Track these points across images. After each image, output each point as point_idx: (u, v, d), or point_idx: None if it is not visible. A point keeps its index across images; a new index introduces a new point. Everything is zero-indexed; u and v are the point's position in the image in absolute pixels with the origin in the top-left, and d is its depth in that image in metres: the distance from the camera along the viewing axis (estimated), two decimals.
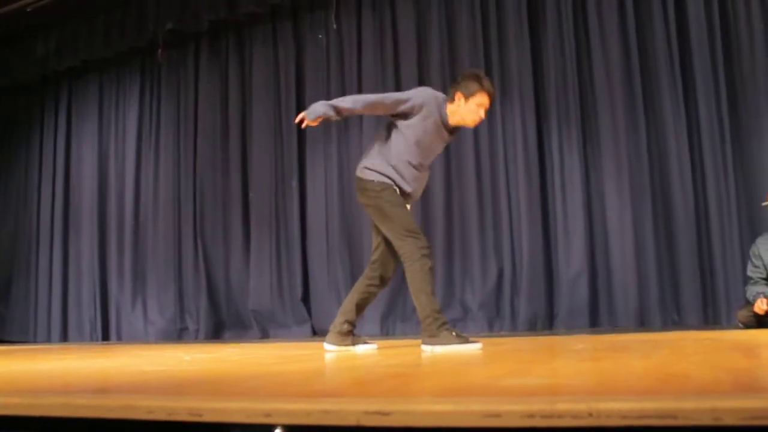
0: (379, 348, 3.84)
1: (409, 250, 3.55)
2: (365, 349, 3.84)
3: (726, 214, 5.37)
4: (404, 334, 6.11)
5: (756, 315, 4.51)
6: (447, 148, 6.35)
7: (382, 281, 3.90)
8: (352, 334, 3.88)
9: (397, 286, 6.38)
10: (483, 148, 6.25)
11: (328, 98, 6.92)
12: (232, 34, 7.70)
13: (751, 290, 4.65)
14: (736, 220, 5.33)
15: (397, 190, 3.66)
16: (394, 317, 6.32)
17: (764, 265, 4.68)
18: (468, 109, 3.64)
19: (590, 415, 1.16)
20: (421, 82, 6.56)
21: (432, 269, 3.61)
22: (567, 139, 5.94)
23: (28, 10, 7.81)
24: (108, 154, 8.39)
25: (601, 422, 1.16)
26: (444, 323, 3.53)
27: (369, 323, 6.27)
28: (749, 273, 4.74)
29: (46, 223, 8.63)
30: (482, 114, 3.67)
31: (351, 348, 3.80)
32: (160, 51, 7.77)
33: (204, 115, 7.72)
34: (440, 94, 3.74)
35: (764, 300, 4.48)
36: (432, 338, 3.51)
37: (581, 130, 5.91)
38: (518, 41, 6.19)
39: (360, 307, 3.90)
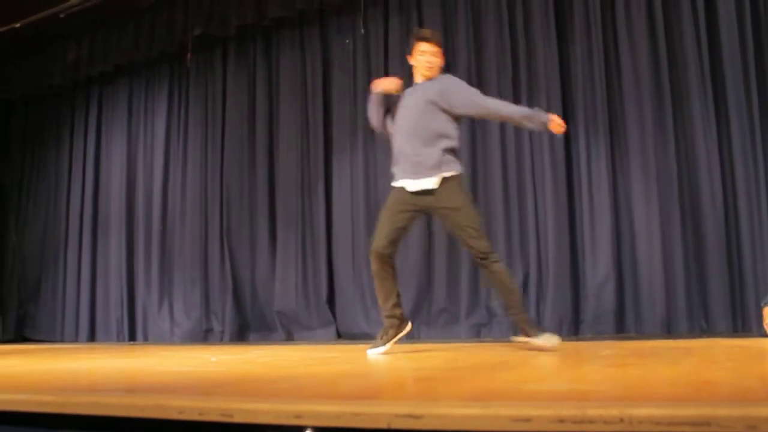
0: (406, 352, 3.84)
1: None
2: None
3: (757, 220, 5.29)
4: (429, 338, 6.10)
5: None
6: (473, 154, 6.38)
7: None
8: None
9: (422, 290, 6.39)
10: (509, 152, 6.23)
11: (355, 103, 7.01)
12: (259, 38, 7.75)
13: (766, 298, 4.59)
14: (766, 226, 5.24)
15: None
16: (418, 321, 6.31)
17: None
18: (417, 61, 4.08)
19: (621, 420, 1.16)
20: None
21: None
22: (594, 143, 5.90)
23: (61, 16, 7.93)
24: (137, 158, 8.49)
25: (632, 428, 1.15)
26: None
27: None
28: None
29: (75, 224, 8.76)
30: (429, 58, 4.05)
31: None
32: (188, 55, 7.85)
33: (231, 119, 7.78)
34: None
35: None
36: None
37: (609, 134, 5.86)
38: (546, 45, 6.16)
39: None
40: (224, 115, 7.85)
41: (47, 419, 1.66)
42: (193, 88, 8.15)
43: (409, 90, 4.10)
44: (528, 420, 1.21)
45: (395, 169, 4.01)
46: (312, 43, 7.40)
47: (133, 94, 8.66)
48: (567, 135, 6.03)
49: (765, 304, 4.55)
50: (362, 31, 6.94)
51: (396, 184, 3.97)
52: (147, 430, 1.58)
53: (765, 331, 4.54)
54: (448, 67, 6.56)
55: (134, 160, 8.50)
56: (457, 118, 4.02)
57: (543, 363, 2.54)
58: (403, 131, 3.97)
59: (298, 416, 1.37)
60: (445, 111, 3.94)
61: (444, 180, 3.84)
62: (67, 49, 8.70)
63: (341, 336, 6.59)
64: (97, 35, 8.55)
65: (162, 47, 8.07)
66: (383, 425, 1.27)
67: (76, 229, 8.73)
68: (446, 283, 6.30)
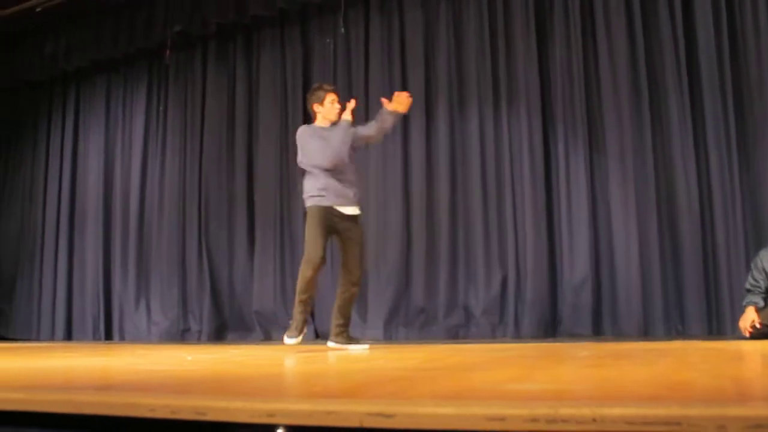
0: (382, 352, 3.84)
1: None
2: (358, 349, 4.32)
3: (732, 223, 5.35)
4: (406, 339, 6.10)
5: (760, 326, 4.46)
6: (453, 155, 6.39)
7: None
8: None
9: (400, 291, 6.38)
10: (489, 155, 6.24)
11: None
12: (240, 37, 7.72)
13: (747, 298, 4.62)
14: (741, 230, 5.30)
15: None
16: (396, 322, 6.32)
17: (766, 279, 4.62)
18: (327, 109, 4.59)
19: (594, 420, 1.15)
20: (428, 87, 6.57)
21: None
22: (573, 147, 5.94)
23: (38, 9, 7.84)
24: (114, 155, 8.41)
25: (605, 428, 1.15)
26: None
27: (372, 328, 6.27)
28: (748, 285, 4.68)
29: (51, 221, 8.66)
30: (338, 106, 4.60)
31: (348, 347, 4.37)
32: (168, 53, 7.79)
33: (210, 117, 7.74)
34: (303, 126, 4.74)
35: (754, 317, 4.46)
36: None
37: (587, 138, 5.90)
38: (525, 49, 6.19)
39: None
40: (203, 113, 7.80)
41: (15, 417, 1.63)
42: (173, 86, 8.09)
43: (319, 129, 4.61)
44: (502, 419, 1.21)
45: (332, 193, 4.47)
46: (292, 42, 7.37)
47: (112, 90, 8.58)
48: (546, 138, 6.07)
49: (747, 304, 4.58)
50: (342, 30, 6.92)
51: (329, 204, 4.46)
52: (120, 429, 1.56)
53: (740, 330, 4.58)
54: (427, 70, 6.62)
55: (112, 158, 8.42)
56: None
57: (519, 364, 2.54)
58: (342, 166, 4.50)
59: (270, 415, 1.36)
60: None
61: None
62: (44, 44, 8.60)
63: (319, 336, 6.56)
64: (73, 30, 8.46)
65: (141, 44, 8.01)
66: (355, 424, 1.26)
67: (52, 226, 8.63)
68: (424, 284, 6.30)
